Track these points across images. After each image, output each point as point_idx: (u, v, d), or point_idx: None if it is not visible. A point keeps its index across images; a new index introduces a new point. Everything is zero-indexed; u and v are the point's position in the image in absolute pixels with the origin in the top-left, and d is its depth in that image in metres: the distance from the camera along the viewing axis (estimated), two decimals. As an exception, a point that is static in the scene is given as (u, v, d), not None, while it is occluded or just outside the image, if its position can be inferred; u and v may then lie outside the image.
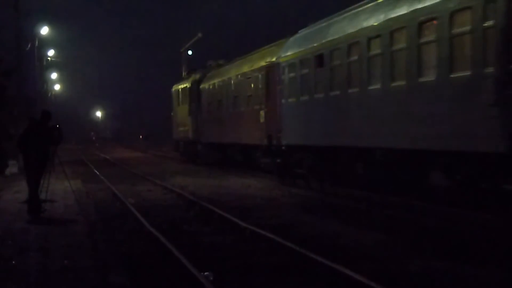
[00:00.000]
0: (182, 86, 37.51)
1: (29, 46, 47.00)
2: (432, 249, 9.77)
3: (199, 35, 56.73)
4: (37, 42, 51.50)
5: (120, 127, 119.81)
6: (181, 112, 37.39)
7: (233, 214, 13.64)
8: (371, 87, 15.28)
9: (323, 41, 17.91)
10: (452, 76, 12.23)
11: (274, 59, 22.17)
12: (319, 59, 18.06)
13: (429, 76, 12.98)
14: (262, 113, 23.42)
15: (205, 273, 8.33)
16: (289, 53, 20.50)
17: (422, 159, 13.59)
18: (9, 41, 34.84)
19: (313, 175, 19.17)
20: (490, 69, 11.23)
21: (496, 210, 11.52)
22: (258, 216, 13.91)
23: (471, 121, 11.66)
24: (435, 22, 12.64)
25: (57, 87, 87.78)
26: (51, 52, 66.37)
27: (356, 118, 15.96)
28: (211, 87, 31.39)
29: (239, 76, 26.82)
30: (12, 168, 28.26)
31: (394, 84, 14.27)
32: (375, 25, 15.07)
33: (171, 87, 40.24)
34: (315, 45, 18.45)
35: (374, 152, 15.38)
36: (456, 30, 12.11)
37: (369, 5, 16.12)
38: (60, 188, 20.23)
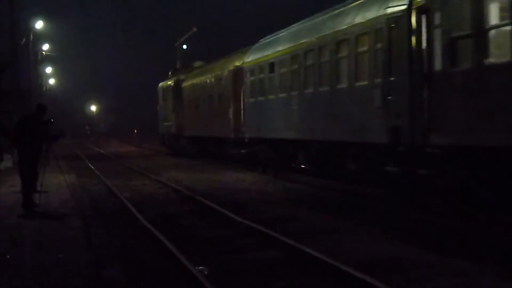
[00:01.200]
0: (167, 84, 41.06)
1: (23, 40, 46.85)
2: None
3: (194, 29, 56.61)
4: (31, 36, 51.33)
5: (115, 121, 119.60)
6: (166, 108, 40.96)
7: (228, 208, 13.63)
8: (306, 91, 18.93)
9: (274, 51, 21.79)
10: (357, 84, 15.89)
11: (239, 64, 26.06)
12: (271, 66, 21.87)
13: (344, 84, 16.61)
14: (230, 110, 27.10)
15: (200, 267, 8.33)
16: (250, 60, 24.52)
17: (341, 149, 17.06)
18: (4, 35, 34.72)
19: (269, 163, 22.80)
20: (378, 80, 14.75)
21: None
22: (253, 210, 13.91)
23: (369, 119, 15.10)
24: (346, 42, 16.48)
25: (51, 81, 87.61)
26: (45, 46, 66.16)
27: (298, 116, 19.55)
28: (191, 86, 35.15)
29: (213, 77, 30.56)
30: (7, 162, 28.20)
31: (321, 89, 17.98)
32: (308, 42, 18.88)
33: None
34: (268, 54, 22.40)
35: (311, 143, 18.87)
36: (359, 50, 15.78)
37: (307, 24, 20.11)
38: (55, 182, 20.20)
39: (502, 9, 10.62)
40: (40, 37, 59.60)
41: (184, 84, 36.62)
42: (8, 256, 9.15)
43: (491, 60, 10.81)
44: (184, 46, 60.95)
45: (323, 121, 17.78)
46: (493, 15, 10.94)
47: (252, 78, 23.90)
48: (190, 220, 12.98)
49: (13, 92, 34.82)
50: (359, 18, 15.93)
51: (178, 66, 56.46)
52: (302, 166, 20.21)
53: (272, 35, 23.82)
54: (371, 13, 15.34)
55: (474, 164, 11.49)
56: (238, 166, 25.97)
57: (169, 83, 40.45)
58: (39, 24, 51.05)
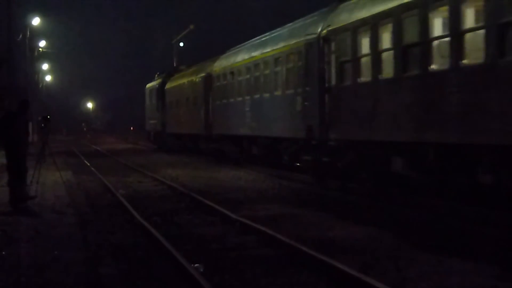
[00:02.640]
0: (152, 85, 45.47)
1: (20, 36, 46.75)
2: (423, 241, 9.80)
3: (191, 27, 56.59)
4: (28, 33, 51.23)
5: (111, 118, 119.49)
6: (151, 107, 45.29)
7: (224, 206, 13.63)
8: (255, 96, 23.09)
9: (234, 62, 26.24)
10: (287, 92, 20.03)
11: (209, 71, 30.14)
12: (232, 75, 26.15)
13: (279, 92, 20.83)
14: (202, 111, 30.95)
15: (196, 265, 8.33)
16: (217, 68, 28.88)
17: (278, 144, 21.13)
18: (0, 31, 34.64)
19: (232, 156, 26.94)
20: (299, 90, 18.85)
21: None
22: (249, 208, 13.92)
23: (294, 120, 19.20)
24: (280, 58, 20.66)
25: (48, 78, 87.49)
26: (42, 43, 66.07)
27: (249, 116, 23.65)
28: (172, 88, 39.08)
29: (189, 82, 34.40)
30: (1, 158, 28.12)
31: (264, 95, 22.15)
32: (256, 57, 23.24)
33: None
34: (230, 64, 26.81)
35: (259, 139, 23.00)
36: (288, 66, 19.93)
37: (258, 41, 24.57)
38: (51, 179, 20.17)
39: (370, 43, 14.85)
40: (37, 33, 59.51)
41: (167, 86, 40.53)
42: (3, 253, 9.13)
43: (362, 79, 15.26)
44: (181, 44, 60.94)
45: (266, 121, 21.96)
46: (364, 47, 15.20)
47: (218, 83, 28.27)
48: (186, 217, 12.97)
49: (9, 89, 34.74)
50: (289, 41, 20.22)
51: (174, 64, 56.61)
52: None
53: (235, 47, 28.37)
54: (296, 38, 19.46)
55: (357, 153, 15.80)
56: (234, 164, 26.00)
57: (154, 84, 44.73)
58: (35, 21, 50.96)
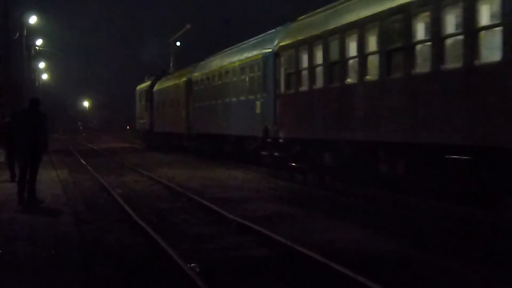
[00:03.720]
0: (142, 87, 48.63)
1: (17, 35, 46.66)
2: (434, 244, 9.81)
3: (188, 26, 56.54)
4: (25, 31, 51.12)
5: (108, 117, 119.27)
6: (141, 108, 48.53)
7: (220, 206, 13.62)
8: (226, 100, 26.55)
9: (209, 70, 29.90)
10: (249, 97, 23.53)
11: (190, 76, 33.46)
12: (208, 80, 29.64)
13: (243, 97, 24.26)
14: (183, 112, 34.34)
15: (192, 265, 8.32)
16: (195, 74, 32.40)
17: (243, 141, 24.52)
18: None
19: (205, 152, 30.93)
20: (259, 95, 22.37)
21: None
22: (245, 208, 13.92)
23: (254, 121, 22.53)
24: (244, 68, 24.14)
25: (44, 76, 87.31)
26: (39, 42, 65.91)
27: (222, 117, 27.14)
28: (160, 91, 42.22)
29: (174, 85, 37.75)
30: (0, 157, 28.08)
31: (233, 99, 25.53)
32: (226, 65, 26.99)
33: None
34: (206, 71, 30.35)
35: (229, 137, 26.35)
36: (251, 75, 23.42)
37: (228, 51, 28.61)
38: (47, 178, 20.13)
39: (308, 59, 17.96)
40: (34, 32, 59.37)
41: (155, 88, 43.61)
42: (0, 251, 9.12)
43: (302, 88, 18.47)
44: (178, 43, 60.89)
45: (234, 121, 25.40)
46: (304, 61, 18.27)
47: (197, 88, 31.77)
48: (182, 217, 12.97)
49: (6, 87, 34.67)
50: (251, 53, 23.68)
51: (171, 63, 56.69)
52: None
53: (212, 55, 32.14)
54: (257, 51, 22.97)
55: (301, 148, 18.93)
56: (231, 163, 26.01)
57: (144, 86, 47.87)
58: (32, 19, 50.81)
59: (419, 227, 11.16)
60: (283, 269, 8.36)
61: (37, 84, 77.58)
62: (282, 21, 22.92)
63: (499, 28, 10.71)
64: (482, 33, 11.21)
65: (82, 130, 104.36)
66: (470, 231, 10.50)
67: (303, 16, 20.52)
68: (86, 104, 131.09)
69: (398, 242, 9.88)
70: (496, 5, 10.90)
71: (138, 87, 50.67)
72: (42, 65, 76.73)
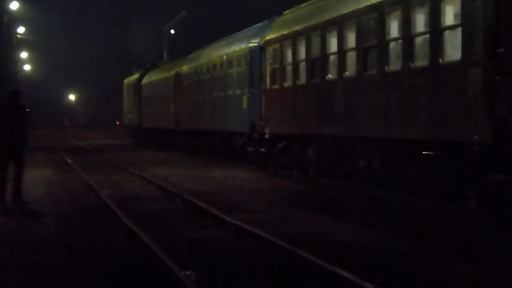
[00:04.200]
0: (130, 80, 50.14)
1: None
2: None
3: (183, 13, 56.53)
4: (6, 18, 51.13)
5: (96, 112, 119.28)
6: (129, 102, 50.08)
7: (218, 208, 13.64)
8: (214, 94, 28.31)
9: (197, 63, 31.58)
10: (236, 92, 25.04)
11: (178, 70, 35.01)
12: (196, 74, 31.43)
13: (231, 92, 25.93)
14: (172, 107, 35.78)
15: (187, 272, 8.35)
16: (184, 67, 34.06)
17: (231, 136, 26.05)
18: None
19: (194, 148, 32.78)
20: (245, 90, 23.77)
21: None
22: (245, 210, 13.93)
23: (241, 117, 24.01)
24: (232, 62, 25.72)
25: (27, 67, 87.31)
26: (21, 29, 65.90)
27: (210, 113, 28.86)
28: (148, 84, 43.84)
29: (162, 79, 39.33)
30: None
31: (221, 94, 27.32)
32: (215, 59, 28.52)
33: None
34: (194, 65, 32.22)
35: (218, 133, 27.89)
36: (238, 69, 24.91)
37: (216, 44, 30.52)
38: (30, 178, 20.15)
39: (291, 55, 19.64)
40: (15, 19, 59.37)
41: (144, 82, 45.01)
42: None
43: (286, 84, 20.09)
44: (172, 31, 60.89)
45: (222, 117, 26.98)
46: (288, 56, 19.86)
47: (186, 82, 33.47)
48: (176, 220, 12.98)
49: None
50: (239, 47, 25.02)
51: (164, 52, 56.77)
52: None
53: (201, 47, 34.09)
54: (244, 45, 23.98)
55: (286, 144, 20.36)
56: (229, 163, 26.05)
57: (132, 79, 49.34)
58: (14, 5, 50.83)
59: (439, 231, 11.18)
60: (286, 276, 8.39)
61: (18, 75, 77.58)
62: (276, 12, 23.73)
63: (460, 29, 12.13)
64: (446, 32, 12.61)
65: (68, 126, 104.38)
66: (438, 222, 11.82)
67: (289, 10, 21.91)
68: (72, 97, 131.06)
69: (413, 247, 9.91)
70: (458, 6, 12.19)
71: (126, 80, 52.26)
72: (24, 55, 76.71)
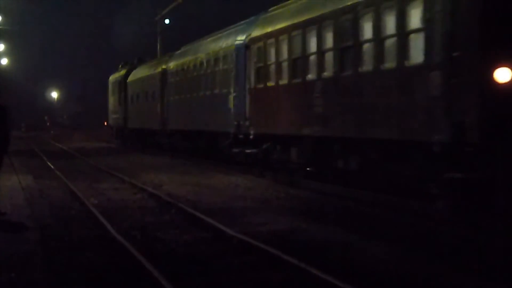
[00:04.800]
0: (115, 77, 51.58)
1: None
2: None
3: (179, 0, 56.51)
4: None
5: (81, 111, 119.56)
6: (114, 101, 51.57)
7: (218, 219, 13.63)
8: (200, 93, 30.04)
9: (184, 61, 33.23)
10: (222, 91, 26.71)
11: (165, 67, 36.63)
12: (183, 72, 32.97)
13: (217, 90, 27.57)
14: (158, 106, 37.55)
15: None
16: (171, 64, 35.80)
17: (217, 137, 27.89)
18: None
19: (181, 148, 34.55)
20: (231, 89, 25.46)
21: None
22: (249, 222, 13.93)
23: (226, 117, 25.75)
24: (218, 59, 27.40)
25: (4, 61, 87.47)
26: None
27: (196, 112, 30.43)
28: (133, 82, 45.13)
29: (147, 76, 40.95)
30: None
31: (207, 92, 28.97)
32: (201, 56, 30.28)
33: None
34: (180, 62, 33.95)
35: (204, 133, 29.95)
36: (224, 66, 26.61)
37: (203, 41, 32.03)
38: (7, 185, 20.12)
39: (275, 54, 21.45)
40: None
41: (129, 79, 46.39)
42: None
43: (270, 83, 21.83)
44: (167, 21, 60.90)
45: (207, 117, 28.77)
46: (272, 55, 21.62)
47: (172, 80, 35.26)
48: (171, 232, 12.96)
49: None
50: (225, 44, 26.56)
51: (158, 44, 56.89)
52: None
53: (188, 44, 35.94)
54: (231, 41, 25.64)
55: (270, 144, 22.26)
56: (231, 168, 26.05)
57: (117, 76, 50.75)
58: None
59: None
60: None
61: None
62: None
63: (422, 33, 13.84)
64: (412, 36, 14.31)
65: (49, 127, 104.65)
66: (406, 219, 13.63)
67: (274, 7, 23.54)
68: (54, 95, 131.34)
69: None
70: (421, 11, 13.89)
71: (111, 77, 53.98)
72: (1, 47, 76.83)
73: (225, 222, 13.31)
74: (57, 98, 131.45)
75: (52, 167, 28.26)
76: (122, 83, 47.58)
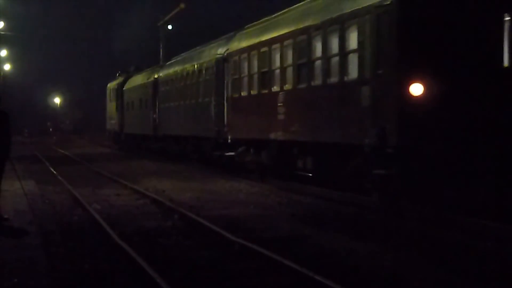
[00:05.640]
0: (113, 85, 55.23)
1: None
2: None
3: (181, 6, 56.55)
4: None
5: (83, 116, 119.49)
6: (111, 107, 55.02)
7: (220, 225, 13.63)
8: (187, 101, 32.79)
9: (173, 70, 36.45)
10: (205, 99, 29.50)
11: (157, 76, 40.04)
12: (172, 81, 36.35)
13: (200, 99, 30.29)
14: (151, 112, 40.50)
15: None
16: (161, 74, 39.22)
17: (200, 141, 30.91)
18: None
19: (171, 152, 37.38)
20: (213, 98, 28.35)
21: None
22: (251, 227, 13.92)
23: (209, 123, 28.61)
24: (201, 70, 30.30)
25: (7, 67, 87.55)
26: (0, 25, 66.08)
27: (184, 119, 33.41)
28: (128, 90, 48.71)
29: (141, 85, 44.37)
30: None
31: (192, 101, 31.78)
32: (187, 67, 33.21)
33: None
34: (170, 72, 37.21)
35: (189, 138, 32.91)
36: (207, 77, 29.42)
37: (190, 53, 35.42)
38: (10, 190, 20.14)
39: (247, 67, 24.42)
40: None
41: (125, 87, 49.82)
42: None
43: (243, 93, 25.02)
44: (170, 27, 60.95)
45: (193, 123, 31.32)
46: (245, 68, 24.66)
47: (163, 88, 38.30)
48: (174, 238, 12.97)
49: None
50: (208, 56, 29.44)
51: (161, 50, 56.97)
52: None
53: (178, 56, 39.13)
54: (212, 55, 28.70)
55: (245, 148, 24.92)
56: (232, 174, 26.06)
57: (114, 84, 54.46)
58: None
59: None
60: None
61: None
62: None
63: (356, 53, 16.71)
64: (350, 55, 17.15)
65: (52, 132, 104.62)
66: (354, 212, 15.88)
67: (249, 25, 26.80)
68: (57, 100, 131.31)
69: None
70: (356, 35, 16.75)
71: (109, 85, 57.72)
72: (3, 53, 76.89)
73: (227, 228, 13.32)
74: (60, 103, 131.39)
75: (54, 172, 28.28)
76: (119, 91, 51.09)
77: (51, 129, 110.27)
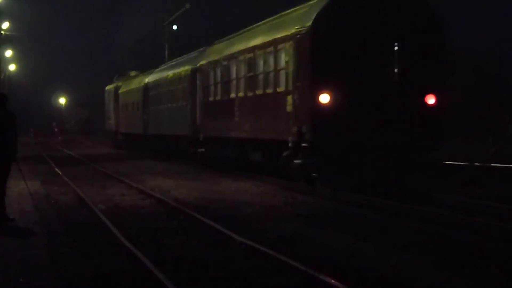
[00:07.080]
0: (110, 88, 60.37)
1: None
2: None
3: (187, 6, 56.53)
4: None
5: (88, 117, 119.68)
6: (109, 108, 60.22)
7: (226, 225, 13.62)
8: (169, 104, 37.88)
9: (159, 77, 41.53)
10: (183, 103, 34.52)
11: (146, 81, 44.94)
12: (158, 86, 41.15)
13: (180, 103, 35.35)
14: (141, 114, 45.51)
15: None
16: (150, 80, 44.13)
17: (179, 139, 36.14)
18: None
19: (157, 149, 42.86)
20: (189, 102, 33.56)
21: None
22: (257, 228, 13.92)
23: (185, 124, 33.82)
24: (181, 78, 35.43)
25: (12, 67, 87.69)
26: (5, 25, 66.16)
27: (167, 120, 38.20)
28: (123, 93, 53.67)
29: (133, 89, 49.32)
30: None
31: (173, 104, 36.83)
32: (170, 75, 38.43)
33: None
34: (157, 78, 42.29)
35: (172, 136, 37.83)
36: (185, 84, 34.42)
37: (174, 63, 41.25)
38: (15, 191, 20.19)
39: (213, 76, 29.35)
40: (-1, 13, 59.59)
41: (120, 90, 54.69)
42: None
43: (210, 99, 29.82)
44: (174, 27, 60.97)
45: (174, 123, 36.25)
46: (212, 78, 29.52)
47: (151, 93, 43.15)
48: (179, 238, 12.97)
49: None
50: (187, 66, 34.41)
51: (166, 50, 57.01)
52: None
53: (165, 63, 45.70)
54: (188, 65, 34.13)
55: (221, 145, 28.79)
56: (238, 174, 26.07)
57: (111, 87, 59.68)
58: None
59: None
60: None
61: (2, 76, 77.93)
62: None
63: (284, 70, 21.20)
64: (281, 72, 21.57)
65: (57, 133, 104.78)
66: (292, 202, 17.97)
67: (217, 41, 31.74)
68: (62, 101, 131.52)
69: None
70: (284, 56, 21.25)
71: (107, 88, 62.72)
72: (9, 53, 76.99)
73: (233, 228, 13.31)
74: (65, 104, 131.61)
75: (60, 173, 28.30)
76: (115, 93, 56.58)
77: (56, 130, 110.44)
